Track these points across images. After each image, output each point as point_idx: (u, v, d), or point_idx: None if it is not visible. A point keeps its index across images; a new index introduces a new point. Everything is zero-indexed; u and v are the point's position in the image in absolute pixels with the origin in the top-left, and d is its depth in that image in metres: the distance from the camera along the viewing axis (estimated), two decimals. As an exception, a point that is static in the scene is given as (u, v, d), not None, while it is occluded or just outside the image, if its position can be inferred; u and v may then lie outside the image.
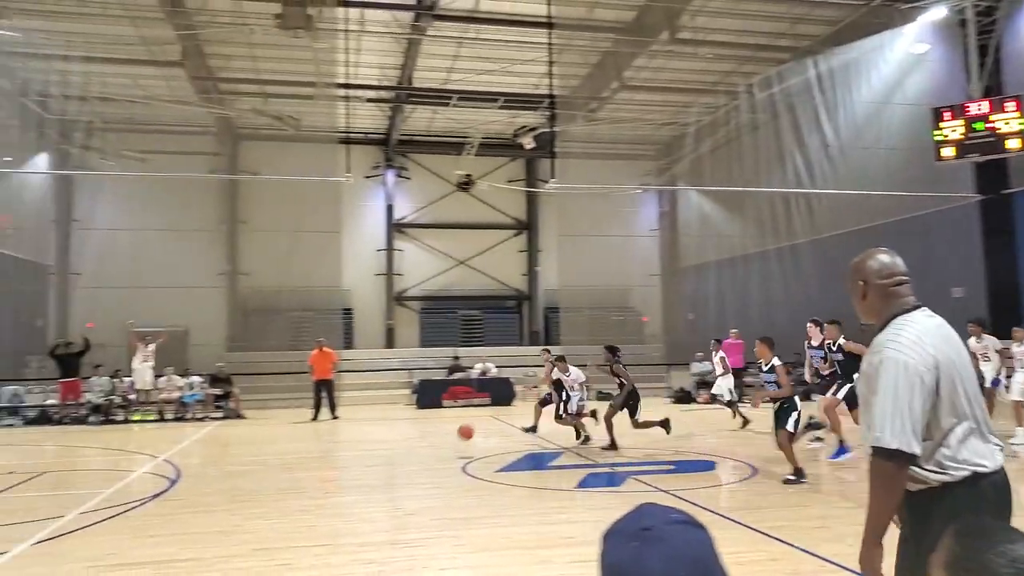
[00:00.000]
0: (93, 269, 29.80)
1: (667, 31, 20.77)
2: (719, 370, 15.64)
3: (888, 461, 2.45)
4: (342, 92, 23.69)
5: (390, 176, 33.56)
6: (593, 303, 31.24)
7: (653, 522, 1.08)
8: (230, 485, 9.54)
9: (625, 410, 11.98)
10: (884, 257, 2.74)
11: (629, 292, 33.16)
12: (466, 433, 11.45)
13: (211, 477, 10.05)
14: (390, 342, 32.60)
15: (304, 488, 9.12)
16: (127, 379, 18.52)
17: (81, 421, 17.19)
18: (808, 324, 12.00)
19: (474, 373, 21.81)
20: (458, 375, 22.13)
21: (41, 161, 29.10)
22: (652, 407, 20.50)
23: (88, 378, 17.94)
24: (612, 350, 12.69)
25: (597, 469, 10.27)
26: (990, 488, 2.49)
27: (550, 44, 19.26)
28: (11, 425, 17.09)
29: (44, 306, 30.15)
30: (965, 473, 2.47)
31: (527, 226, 34.30)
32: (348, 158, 18.73)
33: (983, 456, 2.50)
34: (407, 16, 21.94)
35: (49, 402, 17.76)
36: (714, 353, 15.97)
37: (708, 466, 10.53)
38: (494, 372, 22.16)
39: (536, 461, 11.26)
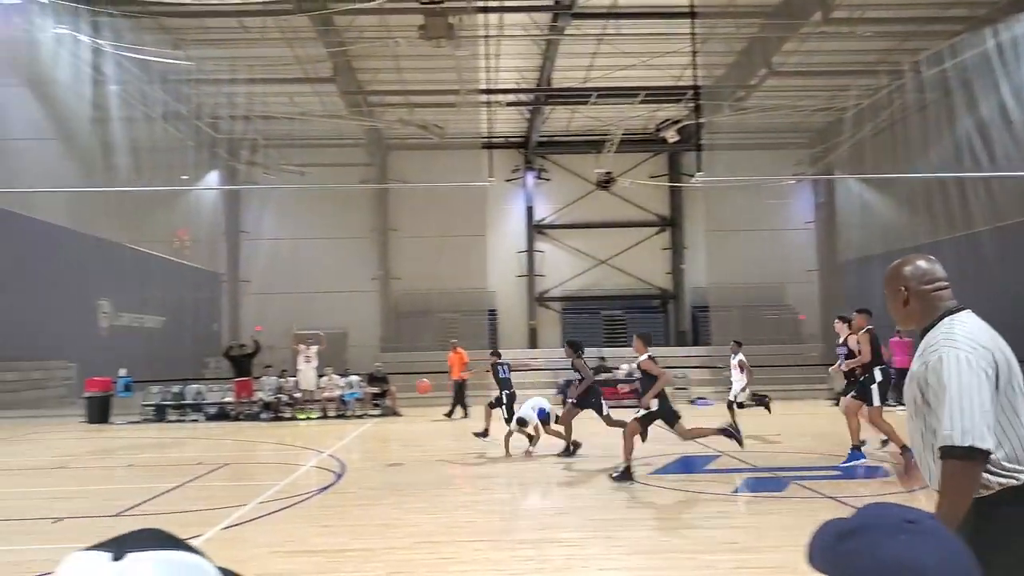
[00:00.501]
0: (260, 276, 32.03)
1: (819, 11, 19.65)
2: (736, 374, 14.49)
3: (963, 460, 2.29)
4: (483, 97, 24.11)
5: (530, 178, 33.85)
6: (745, 301, 30.10)
7: (913, 516, 0.98)
8: (390, 480, 9.89)
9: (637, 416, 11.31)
10: (924, 263, 2.69)
11: (783, 289, 31.71)
12: (423, 388, 11.49)
13: (372, 472, 10.46)
14: (533, 342, 32.86)
15: (460, 484, 9.30)
16: (292, 379, 19.67)
17: (253, 417, 18.43)
18: (835, 321, 11.36)
19: (620, 374, 21.54)
20: (604, 376, 21.92)
21: (213, 178, 31.59)
22: (811, 409, 19.54)
23: (259, 378, 19.20)
24: (572, 345, 12.08)
25: (757, 473, 9.84)
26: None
27: (693, 34, 18.74)
28: (195, 420, 18.58)
29: (218, 311, 32.74)
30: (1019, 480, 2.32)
31: (671, 222, 33.57)
32: (491, 162, 19.02)
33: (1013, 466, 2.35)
34: (545, 17, 22.04)
35: (226, 399, 19.15)
36: (733, 356, 14.89)
37: (876, 471, 9.83)
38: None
39: (690, 464, 10.94)
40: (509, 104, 28.06)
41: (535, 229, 33.86)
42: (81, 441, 14.75)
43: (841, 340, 10.88)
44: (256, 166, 31.58)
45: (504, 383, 13.10)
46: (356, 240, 32.60)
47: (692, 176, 19.31)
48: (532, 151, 32.91)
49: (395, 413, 19.69)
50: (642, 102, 26.31)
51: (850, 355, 10.48)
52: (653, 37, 22.26)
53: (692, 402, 21.27)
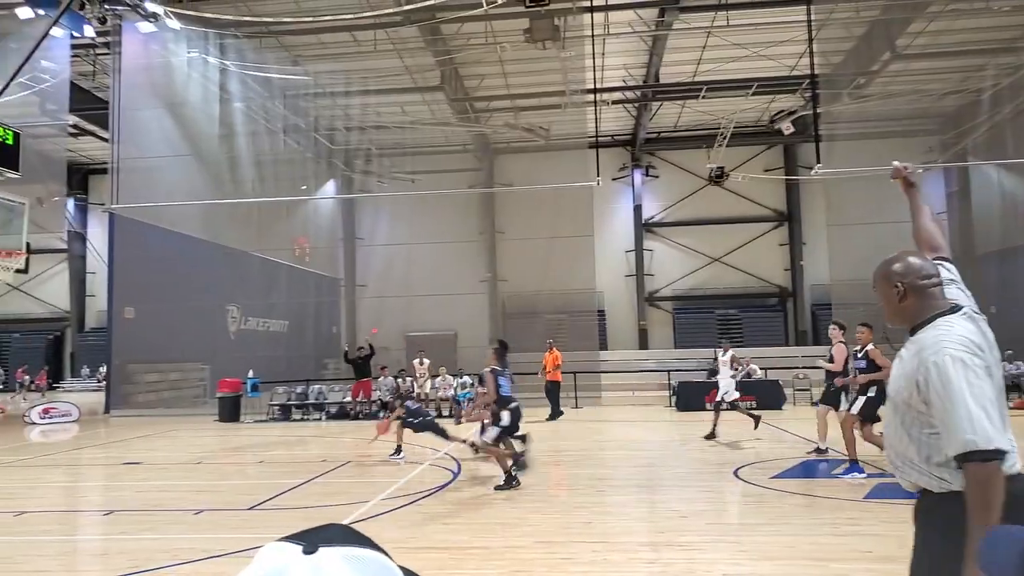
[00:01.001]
0: (375, 281, 33.14)
1: (948, -11, 18.52)
2: (726, 374, 13.53)
3: (989, 463, 2.24)
4: (589, 97, 24.05)
5: (637, 176, 33.47)
6: (870, 298, 28.38)
7: None
8: (506, 479, 10.01)
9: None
10: (918, 260, 2.66)
11: (911, 284, 30.03)
12: (381, 429, 10.84)
13: (489, 471, 10.60)
14: (643, 343, 32.44)
15: (576, 485, 9.29)
16: (408, 379, 20.22)
17: (372, 416, 19.04)
18: (830, 328, 10.92)
19: (737, 376, 20.90)
20: (716, 378, 21.36)
21: (330, 187, 32.92)
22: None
23: (376, 378, 19.81)
24: (496, 350, 10.96)
25: (889, 479, 9.32)
26: (1011, 489, 2.29)
27: (809, 21, 18.02)
28: (318, 419, 19.38)
29: (337, 315, 34.07)
30: (1011, 472, 2.31)
31: (788, 217, 32.43)
32: (597, 161, 18.93)
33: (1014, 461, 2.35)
34: (651, 13, 21.76)
35: (346, 399, 19.87)
36: (723, 354, 14.02)
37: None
38: (759, 374, 21.11)
39: (815, 468, 10.52)
40: (615, 102, 27.85)
41: (644, 227, 33.44)
42: (215, 438, 15.66)
43: (861, 350, 10.06)
44: (370, 175, 32.69)
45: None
46: (465, 244, 33.17)
47: (811, 169, 18.52)
48: (639, 148, 32.54)
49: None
50: (755, 94, 25.57)
51: (869, 367, 9.66)
52: (765, 26, 21.60)
53: (815, 404, 20.39)
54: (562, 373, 20.01)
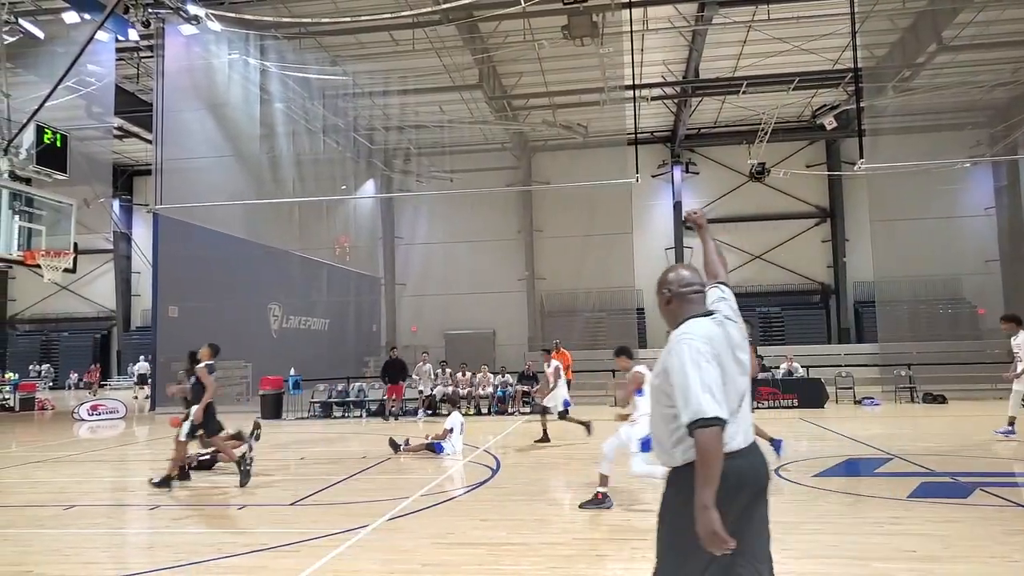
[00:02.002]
0: (414, 279, 33.37)
1: (998, -23, 18.02)
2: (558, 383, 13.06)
3: (710, 428, 2.78)
4: (628, 93, 23.91)
5: (677, 172, 33.18)
6: (915, 295, 28.08)
7: None
8: (544, 476, 9.99)
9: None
10: (684, 272, 3.26)
11: (959, 281, 29.28)
12: (174, 423, 10.58)
13: (526, 468, 10.59)
14: (684, 341, 32.13)
15: (615, 483, 9.20)
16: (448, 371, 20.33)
17: (411, 414, 19.16)
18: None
19: (778, 373, 20.63)
20: (762, 375, 21.08)
21: (369, 187, 33.21)
22: (996, 410, 17.88)
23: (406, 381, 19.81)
24: (191, 357, 10.59)
25: (934, 478, 9.12)
26: (734, 462, 2.92)
27: (852, 13, 17.68)
28: (359, 416, 19.57)
29: (377, 313, 34.35)
30: (726, 449, 2.87)
31: (831, 214, 31.89)
32: (636, 158, 18.79)
33: (732, 437, 2.95)
34: (691, 8, 21.54)
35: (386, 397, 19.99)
36: (547, 365, 13.55)
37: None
38: (800, 372, 20.79)
39: (858, 467, 10.31)
40: (655, 99, 27.64)
41: (683, 225, 33.11)
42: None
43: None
44: (409, 174, 32.92)
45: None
46: (503, 242, 33.20)
47: (854, 164, 18.16)
48: (679, 145, 32.26)
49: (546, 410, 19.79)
50: (796, 88, 25.19)
51: None
52: (807, 20, 21.24)
53: (859, 402, 20.05)
54: (600, 371, 19.88)
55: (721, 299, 3.35)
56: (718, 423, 2.78)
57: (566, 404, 13.55)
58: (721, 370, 2.93)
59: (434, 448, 11.68)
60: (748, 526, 2.97)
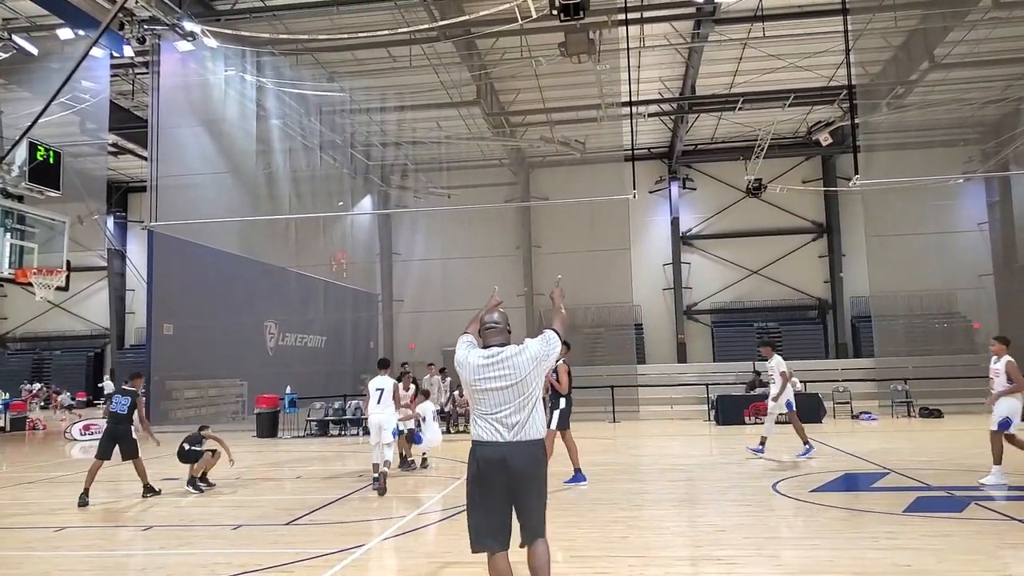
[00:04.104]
0: (412, 296, 33.30)
1: (989, -4, 18.18)
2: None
3: None
4: (625, 110, 24.02)
5: (674, 188, 33.28)
6: (910, 310, 28.14)
7: None
8: (541, 494, 9.91)
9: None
10: (493, 315, 4.78)
11: (954, 296, 29.34)
12: None
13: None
14: (681, 356, 32.10)
15: (613, 499, 9.16)
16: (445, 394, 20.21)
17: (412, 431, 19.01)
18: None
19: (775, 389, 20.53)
20: (759, 391, 21.04)
21: (367, 203, 33.23)
22: (991, 423, 17.83)
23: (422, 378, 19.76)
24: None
25: (930, 492, 9.08)
26: (478, 451, 4.41)
27: (846, 31, 17.79)
28: (356, 435, 19.41)
29: (375, 330, 34.25)
30: (472, 439, 4.46)
31: (827, 229, 31.99)
32: (633, 174, 18.82)
33: (475, 434, 4.45)
34: (687, 25, 21.67)
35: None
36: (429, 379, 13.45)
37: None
38: (799, 387, 20.72)
39: (855, 482, 10.28)
40: (652, 115, 27.77)
41: (681, 240, 33.19)
42: (253, 454, 15.78)
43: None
44: (406, 190, 32.96)
45: None
46: (501, 258, 33.20)
47: (850, 180, 18.20)
48: (676, 161, 32.38)
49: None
50: (792, 105, 25.34)
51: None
52: (802, 37, 21.40)
53: (856, 417, 20.00)
54: (599, 388, 19.80)
55: (542, 336, 4.68)
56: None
57: None
58: (466, 385, 4.57)
59: (413, 439, 11.64)
60: (492, 490, 4.31)
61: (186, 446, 10.75)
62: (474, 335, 4.71)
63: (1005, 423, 9.52)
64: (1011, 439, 9.54)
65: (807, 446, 12.13)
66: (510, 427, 4.30)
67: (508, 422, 4.30)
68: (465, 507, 4.50)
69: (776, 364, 12.29)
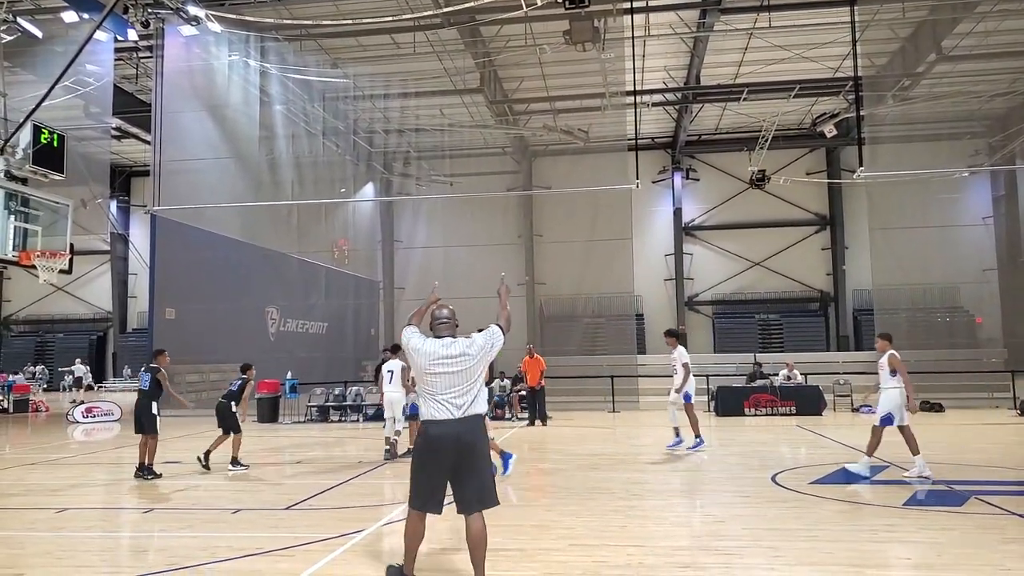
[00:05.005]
0: (413, 283, 33.28)
1: (998, -13, 18.05)
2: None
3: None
4: (629, 99, 23.92)
5: (677, 179, 33.20)
6: (913, 303, 28.10)
7: None
8: (542, 482, 9.96)
9: None
10: (443, 311, 5.36)
11: (957, 290, 29.30)
12: None
13: (524, 474, 10.55)
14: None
15: (612, 489, 9.19)
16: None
17: (412, 418, 19.05)
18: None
19: (777, 380, 20.60)
20: (759, 382, 21.09)
21: (369, 190, 33.17)
22: (992, 419, 17.88)
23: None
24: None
25: (929, 486, 9.10)
26: (432, 428, 5.00)
27: (853, 22, 17.69)
28: (356, 420, 19.48)
29: (376, 317, 34.26)
30: (424, 418, 5.07)
31: (830, 221, 31.93)
32: (636, 164, 18.77)
33: (428, 414, 5.03)
34: (692, 15, 21.56)
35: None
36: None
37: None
38: (799, 379, 20.76)
39: (854, 474, 10.27)
40: (656, 104, 27.67)
41: (683, 231, 33.14)
42: (254, 440, 15.81)
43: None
44: (409, 178, 32.89)
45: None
46: (503, 246, 33.16)
47: (854, 172, 18.15)
48: (680, 151, 32.29)
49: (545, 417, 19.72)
50: (797, 96, 25.23)
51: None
52: (808, 28, 21.28)
53: (856, 410, 20.02)
54: (600, 377, 19.80)
55: (483, 331, 5.35)
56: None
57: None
58: (418, 369, 5.11)
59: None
60: (443, 462, 4.94)
61: (225, 401, 11.37)
62: (417, 326, 5.32)
63: (887, 419, 9.71)
64: (902, 431, 9.74)
65: (697, 439, 12.39)
66: (459, 407, 4.96)
67: (457, 402, 4.96)
68: (411, 473, 5.12)
69: (679, 355, 12.44)
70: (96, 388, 32.80)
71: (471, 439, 4.99)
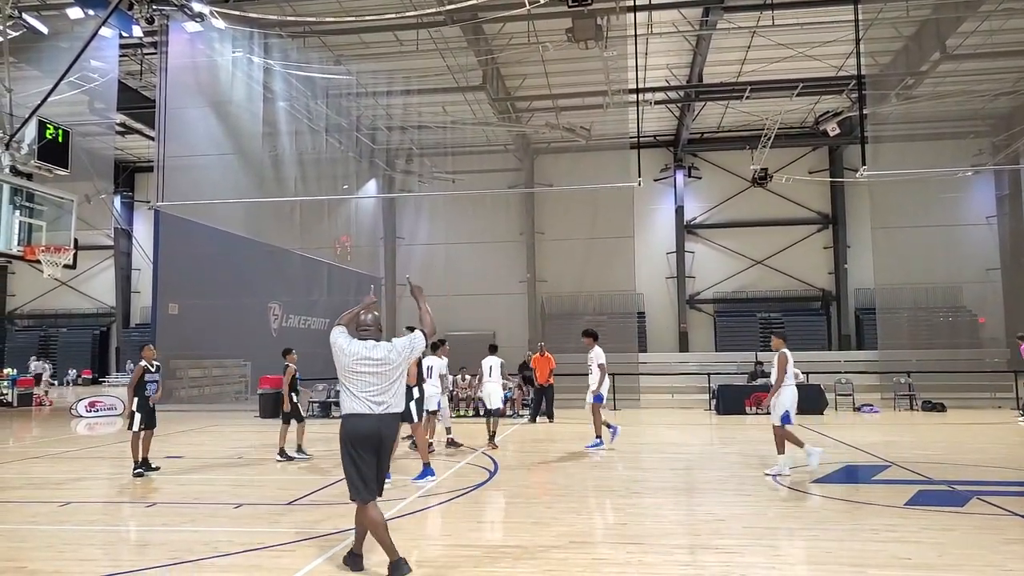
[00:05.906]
0: (415, 280, 33.21)
1: (1002, -14, 18.02)
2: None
3: None
4: (631, 97, 23.90)
5: (679, 177, 33.18)
6: (916, 303, 28.07)
7: None
8: (543, 479, 9.98)
9: None
10: (368, 316, 5.67)
11: (960, 290, 29.27)
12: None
13: (525, 471, 10.58)
14: (684, 346, 32.12)
15: (612, 487, 9.22)
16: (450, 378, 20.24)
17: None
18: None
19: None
20: (761, 381, 21.07)
21: (371, 187, 33.18)
22: (995, 419, 17.87)
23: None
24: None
25: (931, 486, 9.11)
26: (355, 422, 5.39)
27: (856, 20, 17.67)
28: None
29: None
30: (346, 412, 5.42)
31: (833, 220, 31.90)
32: (638, 162, 18.77)
33: (350, 408, 5.39)
34: (695, 13, 21.54)
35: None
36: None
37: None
38: (801, 378, 20.73)
39: (856, 473, 10.30)
40: (658, 103, 27.65)
41: (685, 229, 33.13)
42: (256, 434, 15.89)
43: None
44: (411, 175, 32.91)
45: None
46: (504, 244, 33.19)
47: (857, 171, 18.14)
48: (682, 149, 32.27)
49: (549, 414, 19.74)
50: (800, 95, 25.19)
51: None
52: (811, 26, 21.25)
53: (858, 409, 20.02)
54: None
55: (409, 333, 5.75)
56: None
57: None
58: (342, 368, 5.44)
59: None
60: (367, 452, 5.34)
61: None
62: (347, 327, 5.60)
63: (786, 417, 9.85)
64: (775, 429, 9.93)
65: (598, 439, 12.54)
66: (378, 404, 5.37)
67: (376, 400, 5.37)
68: (344, 469, 5.45)
69: (595, 355, 12.66)
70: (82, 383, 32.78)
71: (388, 433, 5.49)
